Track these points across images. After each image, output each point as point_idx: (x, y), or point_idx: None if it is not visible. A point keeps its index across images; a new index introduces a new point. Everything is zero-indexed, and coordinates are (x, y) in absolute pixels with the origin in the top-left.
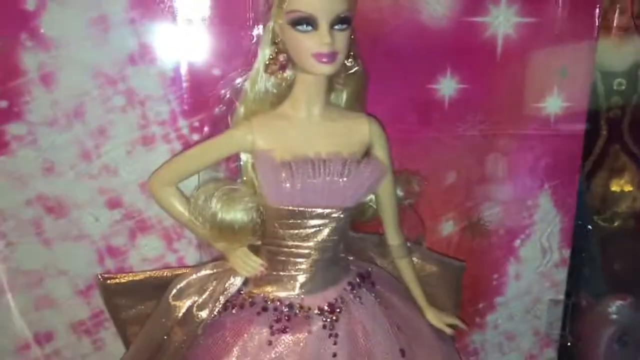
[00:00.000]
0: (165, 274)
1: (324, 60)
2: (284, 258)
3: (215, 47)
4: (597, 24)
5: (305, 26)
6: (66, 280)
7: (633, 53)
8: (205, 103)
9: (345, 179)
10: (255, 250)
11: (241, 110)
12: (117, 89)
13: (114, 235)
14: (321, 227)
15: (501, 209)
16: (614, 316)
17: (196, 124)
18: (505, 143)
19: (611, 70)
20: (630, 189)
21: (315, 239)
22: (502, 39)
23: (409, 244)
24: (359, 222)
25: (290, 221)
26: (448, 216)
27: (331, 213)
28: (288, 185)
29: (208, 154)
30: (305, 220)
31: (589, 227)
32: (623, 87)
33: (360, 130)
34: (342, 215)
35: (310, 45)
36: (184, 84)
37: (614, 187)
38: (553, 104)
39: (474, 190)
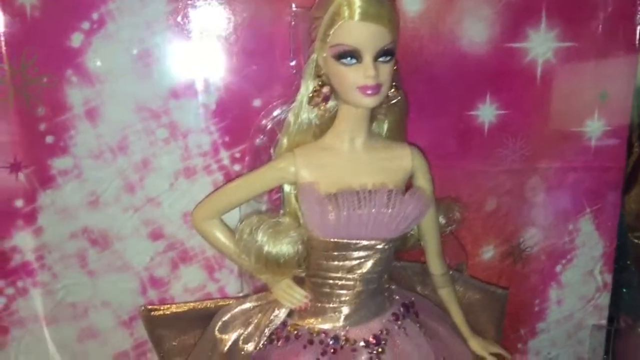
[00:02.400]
0: (208, 305)
1: (369, 92)
2: (328, 290)
3: (255, 79)
4: (636, 44)
5: (349, 59)
6: (110, 312)
7: None
8: (246, 134)
9: (390, 210)
10: (299, 281)
11: (284, 141)
12: (160, 122)
13: (157, 266)
14: (365, 259)
15: (542, 234)
16: None
17: (237, 154)
18: (546, 168)
19: None
20: None
21: (359, 271)
22: (542, 64)
23: (451, 272)
24: (401, 251)
25: (335, 253)
26: (489, 242)
27: (376, 245)
28: (333, 217)
29: (252, 186)
30: (350, 252)
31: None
32: None
33: (403, 160)
34: (386, 247)
35: (355, 78)
36: (226, 116)
37: None
38: (594, 128)
39: (515, 215)
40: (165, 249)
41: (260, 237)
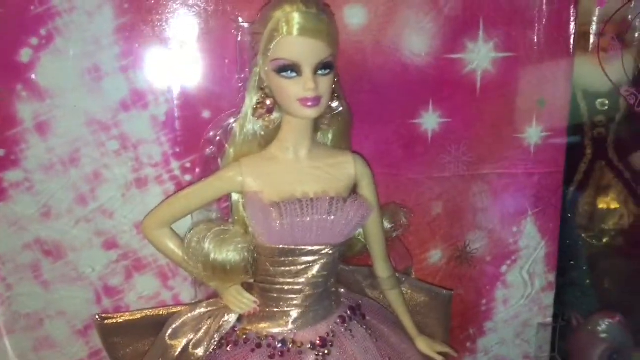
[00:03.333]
0: (161, 313)
1: (309, 104)
2: (276, 295)
3: (205, 91)
4: (571, 51)
5: (289, 73)
6: (65, 322)
7: (614, 73)
8: (196, 145)
9: (332, 217)
10: (248, 287)
11: (231, 152)
12: (110, 134)
13: (111, 275)
14: (312, 264)
15: (487, 237)
16: (604, 335)
17: (188, 165)
18: (489, 173)
19: (593, 89)
20: (617, 206)
21: (306, 275)
22: (481, 73)
23: (398, 275)
24: (349, 256)
25: (282, 259)
26: (436, 245)
27: (321, 250)
28: (278, 224)
29: (200, 196)
30: (296, 258)
31: (579, 243)
32: (606, 107)
33: (347, 169)
34: (331, 252)
35: (295, 91)
36: (176, 127)
37: (601, 205)
38: (533, 134)
39: (460, 219)
40: (119, 258)
41: (207, 245)
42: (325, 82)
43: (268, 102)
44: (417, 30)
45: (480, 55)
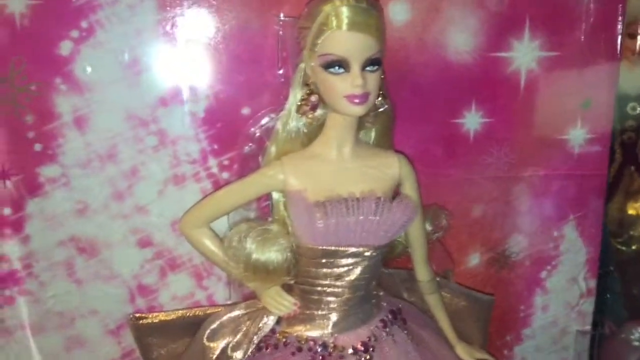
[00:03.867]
0: (196, 313)
1: (356, 101)
2: (317, 297)
3: (244, 87)
4: (618, 52)
5: (337, 68)
6: (97, 320)
7: None
8: (235, 142)
9: (378, 217)
10: (288, 289)
11: (272, 149)
12: (149, 130)
13: (145, 274)
14: (354, 266)
15: (527, 241)
16: (637, 343)
17: (226, 162)
18: (531, 175)
19: (625, 93)
20: None
21: (347, 278)
22: (526, 73)
23: (437, 279)
24: (388, 258)
25: (324, 260)
26: (475, 249)
27: (364, 252)
28: (322, 224)
29: (240, 194)
30: (339, 260)
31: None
32: (637, 111)
33: (391, 168)
34: (374, 254)
35: (343, 87)
36: (214, 124)
37: (630, 210)
38: (577, 136)
39: (500, 222)
40: (154, 256)
41: (249, 244)
42: (373, 79)
43: (313, 98)
44: (461, 27)
45: (526, 54)
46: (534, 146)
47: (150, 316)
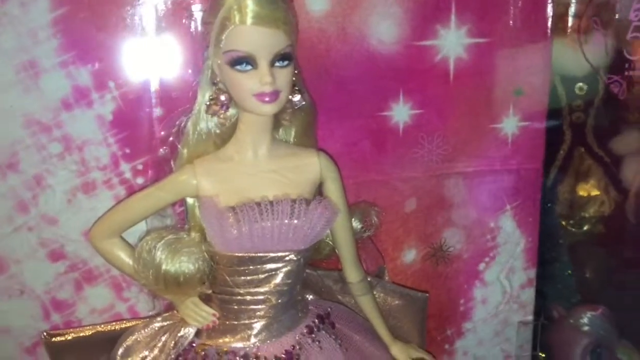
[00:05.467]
0: (114, 328)
1: (266, 99)
2: (236, 306)
3: (156, 87)
4: (549, 36)
5: (244, 66)
6: (11, 339)
7: (593, 55)
8: (148, 145)
9: (295, 220)
10: (206, 299)
11: (184, 152)
12: (51, 136)
13: (59, 288)
14: (275, 272)
15: (463, 233)
16: (587, 328)
17: (140, 167)
18: (464, 166)
19: (572, 74)
20: (598, 193)
21: (269, 285)
22: (454, 61)
23: (369, 278)
24: (317, 260)
25: (242, 268)
26: (410, 244)
27: (285, 256)
28: (235, 231)
29: (151, 201)
30: (257, 266)
31: (560, 233)
32: (584, 91)
33: (310, 168)
34: (296, 258)
35: (251, 85)
36: (124, 127)
37: (581, 192)
38: (510, 124)
39: (435, 216)
40: (67, 269)
41: (159, 255)
42: (284, 75)
43: (222, 97)
44: (384, 16)
45: (453, 42)
46: (467, 136)
47: (64, 332)
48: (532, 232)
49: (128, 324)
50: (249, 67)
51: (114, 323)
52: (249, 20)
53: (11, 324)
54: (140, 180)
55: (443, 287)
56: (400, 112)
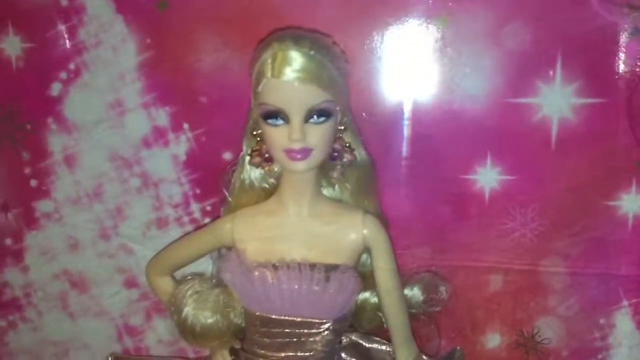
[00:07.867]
0: None
1: (298, 157)
2: None
3: (226, 131)
4: None
5: (276, 120)
6: (89, 355)
7: None
8: (217, 187)
9: (317, 288)
10: (235, 354)
11: (230, 201)
12: (132, 171)
13: (132, 314)
14: (297, 338)
15: (562, 325)
16: None
17: (209, 208)
18: (566, 247)
19: None
20: None
21: (290, 351)
22: (558, 122)
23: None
24: (367, 328)
25: (263, 329)
26: (493, 328)
27: (307, 322)
28: (255, 289)
29: (195, 246)
30: (279, 330)
31: None
32: None
33: (352, 233)
34: (323, 326)
35: (281, 140)
36: (196, 168)
37: None
38: (631, 203)
39: (526, 299)
40: (139, 297)
41: (184, 302)
42: (319, 132)
43: (264, 149)
44: (472, 68)
45: (557, 100)
46: (572, 213)
47: (128, 358)
48: None
49: None
50: (281, 121)
51: (174, 358)
52: (280, 75)
53: (90, 341)
54: (208, 220)
55: None
56: (487, 177)
